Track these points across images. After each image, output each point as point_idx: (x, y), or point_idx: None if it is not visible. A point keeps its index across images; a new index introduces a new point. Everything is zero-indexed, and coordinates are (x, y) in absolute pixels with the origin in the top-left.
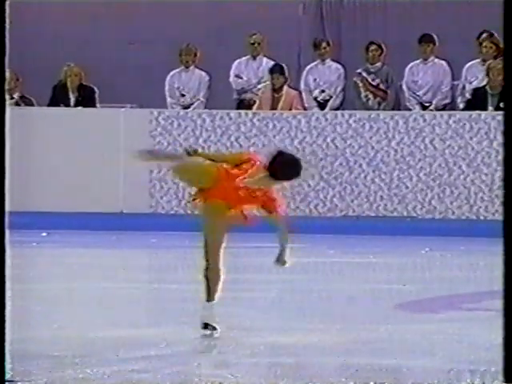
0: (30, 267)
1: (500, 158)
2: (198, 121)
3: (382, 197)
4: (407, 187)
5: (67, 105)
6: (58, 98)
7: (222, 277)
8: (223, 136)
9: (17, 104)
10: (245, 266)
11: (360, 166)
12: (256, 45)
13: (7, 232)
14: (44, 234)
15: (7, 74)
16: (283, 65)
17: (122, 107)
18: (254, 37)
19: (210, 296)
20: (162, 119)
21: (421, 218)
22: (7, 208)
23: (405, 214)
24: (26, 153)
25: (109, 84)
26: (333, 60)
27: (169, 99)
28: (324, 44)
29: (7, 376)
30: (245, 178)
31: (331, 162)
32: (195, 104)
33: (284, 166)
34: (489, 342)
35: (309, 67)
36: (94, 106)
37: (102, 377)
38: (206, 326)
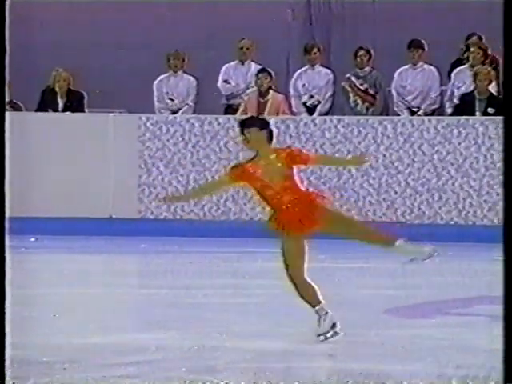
0: (19, 273)
1: (488, 162)
2: (187, 126)
3: (370, 202)
4: (396, 192)
5: (55, 110)
6: (46, 102)
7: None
8: (212, 141)
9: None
10: (235, 271)
11: (349, 171)
12: (245, 50)
13: None
14: (33, 240)
15: None
16: (269, 70)
17: (111, 112)
18: (242, 42)
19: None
20: (151, 124)
21: (409, 223)
22: None
23: (394, 219)
24: (14, 158)
25: (97, 89)
26: (322, 65)
27: (157, 104)
28: (315, 49)
29: None
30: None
31: (320, 167)
32: (183, 109)
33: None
34: (478, 347)
35: (298, 72)
36: (82, 111)
37: (91, 382)
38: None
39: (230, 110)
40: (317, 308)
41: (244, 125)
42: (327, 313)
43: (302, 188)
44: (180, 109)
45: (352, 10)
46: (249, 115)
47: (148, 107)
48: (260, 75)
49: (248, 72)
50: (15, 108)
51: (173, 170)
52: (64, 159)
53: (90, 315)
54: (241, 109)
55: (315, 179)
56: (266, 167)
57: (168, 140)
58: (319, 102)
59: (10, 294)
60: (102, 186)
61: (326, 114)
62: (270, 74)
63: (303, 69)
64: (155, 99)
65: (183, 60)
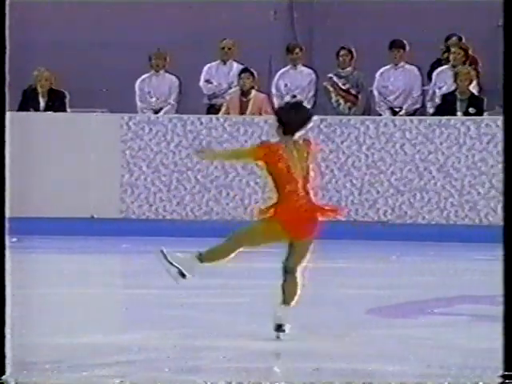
0: None
1: (470, 162)
2: (169, 125)
3: (353, 202)
4: (378, 192)
5: (37, 109)
6: (28, 102)
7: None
8: (194, 141)
9: None
10: (217, 272)
11: (331, 171)
12: (226, 50)
13: None
14: (14, 240)
15: None
16: (252, 69)
17: (93, 112)
18: (224, 42)
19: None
20: (133, 124)
21: (391, 222)
22: None
23: (376, 218)
24: None
25: (79, 89)
26: (304, 65)
27: (139, 104)
28: (297, 49)
29: None
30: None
31: None
32: (166, 108)
33: (288, 110)
34: (460, 347)
35: (280, 72)
36: (64, 110)
37: (73, 383)
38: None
39: (212, 109)
40: None
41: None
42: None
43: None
44: (162, 108)
45: (334, 10)
46: (231, 115)
47: (130, 107)
48: (242, 75)
49: (230, 72)
50: None
51: (155, 170)
52: (45, 159)
53: (71, 315)
54: (223, 109)
55: None
56: (296, 154)
57: (150, 140)
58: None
59: None
60: (84, 186)
61: None
62: (252, 73)
63: (285, 68)
64: (137, 99)
65: (165, 60)
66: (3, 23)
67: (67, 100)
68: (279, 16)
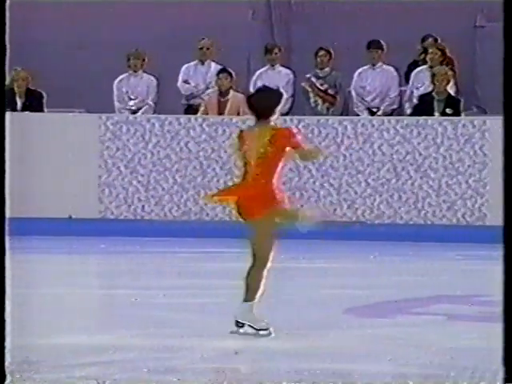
0: None
1: (447, 163)
2: (147, 126)
3: (331, 202)
4: (356, 192)
5: (14, 110)
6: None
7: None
8: (172, 141)
9: None
10: (195, 272)
11: (309, 171)
12: (205, 50)
13: None
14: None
15: None
16: (230, 69)
17: (70, 112)
18: (202, 42)
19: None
20: (111, 124)
21: (370, 222)
22: None
23: (354, 218)
24: None
25: (57, 89)
26: (282, 65)
27: (117, 104)
28: (276, 49)
29: None
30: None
31: (281, 166)
32: (143, 108)
33: (257, 95)
34: (437, 346)
35: (258, 72)
36: (41, 110)
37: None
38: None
39: (191, 110)
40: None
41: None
42: None
43: (274, 179)
44: (140, 108)
45: (312, 11)
46: (210, 115)
47: (108, 107)
48: (220, 75)
49: (208, 72)
50: None
51: (133, 170)
52: (23, 159)
53: (49, 316)
54: (201, 109)
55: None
56: (256, 137)
57: (128, 140)
58: None
59: None
60: (62, 186)
61: (287, 114)
62: (230, 74)
63: (263, 69)
64: (115, 99)
65: (143, 60)
66: (3, 23)
67: (44, 100)
68: (257, 16)
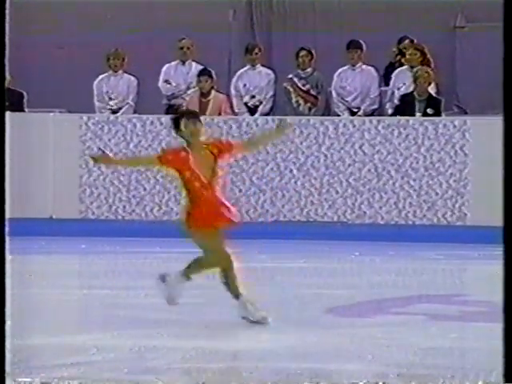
0: None
1: (428, 163)
2: (129, 125)
3: (312, 202)
4: (337, 192)
5: None
6: None
7: None
8: (154, 141)
9: None
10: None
11: (291, 171)
12: (185, 49)
13: None
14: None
15: None
16: (211, 69)
17: (51, 112)
18: (183, 41)
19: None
20: (92, 124)
21: (351, 222)
22: None
23: (335, 219)
24: None
25: (37, 89)
26: (263, 65)
27: (97, 104)
28: (256, 49)
29: None
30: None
31: (262, 167)
32: (124, 108)
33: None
34: (417, 346)
35: (239, 72)
36: (22, 110)
37: None
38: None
39: (172, 110)
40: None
41: (182, 116)
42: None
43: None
44: (120, 108)
45: (293, 11)
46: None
47: (88, 107)
48: (201, 76)
49: (189, 72)
50: None
51: (114, 170)
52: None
53: (29, 316)
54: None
55: (257, 179)
56: (199, 158)
57: (109, 140)
58: (261, 103)
59: None
60: (43, 185)
61: (268, 114)
62: (211, 74)
63: (244, 69)
64: (95, 99)
65: (123, 59)
66: (3, 23)
67: (25, 100)
68: (238, 16)
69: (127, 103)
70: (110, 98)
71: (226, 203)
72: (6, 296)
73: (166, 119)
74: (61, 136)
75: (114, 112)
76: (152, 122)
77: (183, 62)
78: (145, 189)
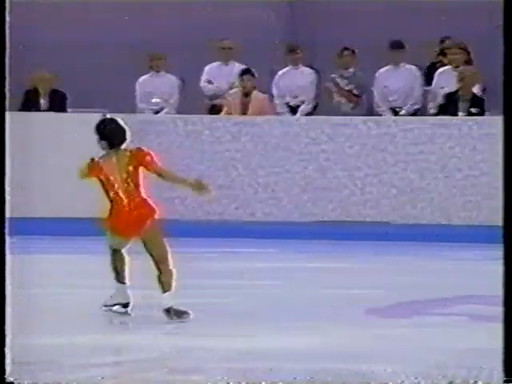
0: None
1: (472, 162)
2: (171, 125)
3: (355, 202)
4: (379, 192)
5: (38, 110)
6: (29, 103)
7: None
8: (196, 141)
9: None
10: (212, 271)
11: (333, 171)
12: (227, 50)
13: None
14: None
15: None
16: (253, 69)
17: (94, 112)
18: (225, 42)
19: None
20: (133, 124)
21: (394, 223)
22: None
23: (378, 219)
24: None
25: (79, 89)
26: (305, 65)
27: (139, 104)
28: (298, 49)
29: None
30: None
31: (305, 166)
32: (166, 109)
33: (109, 125)
34: (459, 347)
35: (281, 72)
36: (64, 111)
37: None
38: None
39: (213, 110)
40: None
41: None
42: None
43: (142, 193)
44: (163, 109)
45: (336, 10)
46: (232, 115)
47: (130, 107)
48: (243, 76)
49: (231, 72)
50: None
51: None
52: (47, 159)
53: (69, 316)
54: (224, 109)
55: (300, 179)
56: (116, 164)
57: (152, 140)
58: (302, 102)
59: None
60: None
61: (311, 114)
62: (253, 74)
63: (286, 69)
64: (137, 99)
65: (165, 60)
66: (3, 23)
67: (68, 101)
68: (280, 16)
69: (169, 104)
70: (153, 99)
71: (142, 204)
72: (45, 295)
73: (208, 119)
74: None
75: (156, 112)
76: (194, 122)
77: (225, 63)
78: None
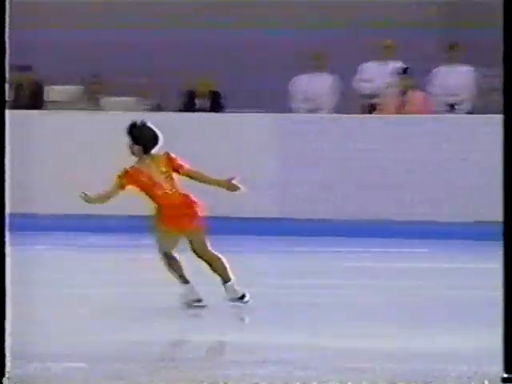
0: None
1: None
2: (328, 125)
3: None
4: None
5: (193, 110)
6: (189, 104)
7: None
8: (356, 141)
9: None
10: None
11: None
12: (385, 49)
13: None
14: None
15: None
16: (410, 68)
17: (248, 113)
18: (384, 41)
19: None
20: (291, 123)
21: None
22: None
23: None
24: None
25: (232, 90)
26: (462, 63)
27: (294, 104)
28: (457, 47)
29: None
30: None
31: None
32: (322, 108)
33: (142, 130)
34: None
35: (438, 71)
36: (220, 111)
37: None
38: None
39: (369, 109)
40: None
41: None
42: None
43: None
44: (318, 108)
45: (494, 8)
46: (391, 115)
47: (284, 107)
48: (400, 74)
49: (388, 71)
50: (158, 109)
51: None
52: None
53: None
54: (380, 108)
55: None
56: (155, 167)
57: (309, 139)
58: (460, 101)
59: None
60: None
61: (471, 112)
62: (410, 73)
63: (443, 67)
64: (293, 99)
65: (324, 60)
66: (3, 23)
67: (223, 101)
68: (440, 14)
69: (325, 103)
70: (308, 99)
71: (189, 201)
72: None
73: (363, 119)
74: (257, 136)
75: (312, 112)
76: (347, 121)
77: (382, 62)
78: None
